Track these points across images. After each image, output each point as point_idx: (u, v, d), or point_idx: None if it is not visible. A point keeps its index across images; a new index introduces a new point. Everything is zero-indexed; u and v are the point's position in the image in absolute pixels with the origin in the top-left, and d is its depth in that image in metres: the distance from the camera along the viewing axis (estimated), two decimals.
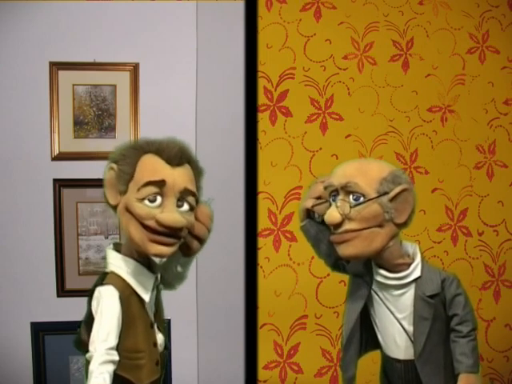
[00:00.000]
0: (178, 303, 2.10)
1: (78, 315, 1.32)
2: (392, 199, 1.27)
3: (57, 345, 2.12)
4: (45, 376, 2.15)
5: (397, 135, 2.31)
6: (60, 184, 2.13)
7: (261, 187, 2.21)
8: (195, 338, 2.23)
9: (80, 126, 2.15)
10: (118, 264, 1.28)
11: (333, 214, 1.28)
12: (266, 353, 2.23)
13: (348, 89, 2.28)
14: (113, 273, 1.27)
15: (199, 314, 2.22)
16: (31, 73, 2.10)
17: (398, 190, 1.28)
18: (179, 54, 2.19)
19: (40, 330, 2.13)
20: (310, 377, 2.28)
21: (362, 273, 1.39)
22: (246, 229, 2.22)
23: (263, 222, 2.22)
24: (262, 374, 2.24)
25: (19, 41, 2.09)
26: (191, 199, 1.25)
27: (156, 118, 2.16)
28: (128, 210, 1.23)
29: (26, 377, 2.14)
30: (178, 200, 1.24)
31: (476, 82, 2.40)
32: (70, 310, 2.07)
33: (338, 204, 1.28)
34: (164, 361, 1.35)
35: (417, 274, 1.33)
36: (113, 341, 1.19)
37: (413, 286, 1.33)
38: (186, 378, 2.22)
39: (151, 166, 1.24)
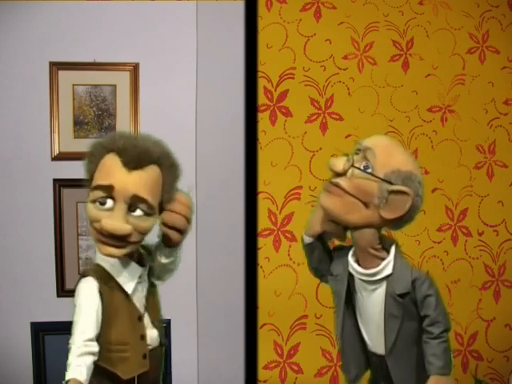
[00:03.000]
0: (178, 303, 2.10)
1: None
2: (391, 192, 1.27)
3: (57, 345, 2.12)
4: (45, 376, 2.15)
5: (397, 135, 2.31)
6: (60, 184, 2.13)
7: (261, 187, 2.21)
8: (195, 338, 2.23)
9: (80, 126, 2.15)
10: (102, 256, 1.27)
11: (337, 163, 1.30)
12: (266, 353, 2.23)
13: (348, 89, 2.28)
14: (97, 264, 1.28)
15: (199, 314, 2.22)
16: (31, 73, 2.10)
17: (399, 187, 1.26)
18: (179, 54, 2.19)
19: (40, 330, 2.13)
20: (310, 377, 2.28)
21: (340, 275, 1.40)
22: (245, 229, 2.21)
23: (263, 221, 2.22)
24: (261, 373, 2.24)
25: (19, 41, 2.09)
26: (143, 206, 1.22)
27: (156, 118, 2.15)
28: None
29: (26, 377, 2.14)
30: (131, 205, 1.22)
31: (476, 82, 2.40)
32: (70, 310, 2.07)
33: (349, 158, 1.30)
34: (157, 356, 1.34)
35: (388, 271, 1.31)
36: (91, 332, 1.19)
37: (384, 283, 1.32)
38: (186, 378, 2.22)
39: (106, 169, 1.23)
